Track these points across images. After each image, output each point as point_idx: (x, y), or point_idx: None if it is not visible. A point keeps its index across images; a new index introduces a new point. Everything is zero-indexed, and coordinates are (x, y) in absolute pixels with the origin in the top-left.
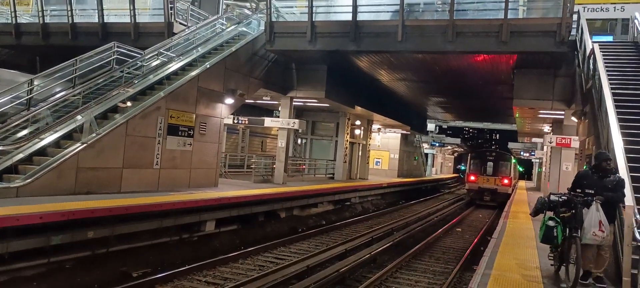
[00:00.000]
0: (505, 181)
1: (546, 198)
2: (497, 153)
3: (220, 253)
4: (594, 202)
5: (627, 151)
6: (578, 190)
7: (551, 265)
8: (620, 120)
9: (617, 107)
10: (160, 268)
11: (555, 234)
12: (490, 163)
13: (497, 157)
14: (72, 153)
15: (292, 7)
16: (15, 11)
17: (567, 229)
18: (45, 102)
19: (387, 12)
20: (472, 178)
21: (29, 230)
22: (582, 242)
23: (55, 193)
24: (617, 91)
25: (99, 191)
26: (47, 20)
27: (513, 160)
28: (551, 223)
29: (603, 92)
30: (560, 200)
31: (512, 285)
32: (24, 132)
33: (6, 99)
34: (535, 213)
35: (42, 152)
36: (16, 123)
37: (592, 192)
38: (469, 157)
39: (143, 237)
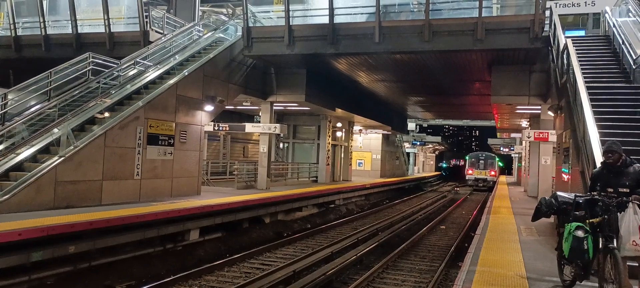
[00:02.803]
0: (492, 172)
1: (552, 199)
2: (486, 154)
3: (206, 262)
4: (631, 204)
5: (603, 143)
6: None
7: (563, 280)
8: (595, 112)
9: (591, 99)
10: (144, 280)
11: (586, 247)
12: (482, 161)
13: (486, 157)
14: (50, 167)
15: (268, 11)
16: None
17: (599, 239)
18: (20, 116)
19: (364, 14)
20: (470, 172)
21: (7, 248)
22: (622, 255)
23: (34, 209)
24: (591, 84)
25: (79, 204)
26: (20, 32)
27: (496, 158)
28: (580, 233)
29: (577, 86)
30: (574, 201)
31: (497, 279)
32: None
33: None
34: (536, 217)
35: (18, 167)
36: None
37: (627, 190)
38: (467, 158)
39: (126, 250)
